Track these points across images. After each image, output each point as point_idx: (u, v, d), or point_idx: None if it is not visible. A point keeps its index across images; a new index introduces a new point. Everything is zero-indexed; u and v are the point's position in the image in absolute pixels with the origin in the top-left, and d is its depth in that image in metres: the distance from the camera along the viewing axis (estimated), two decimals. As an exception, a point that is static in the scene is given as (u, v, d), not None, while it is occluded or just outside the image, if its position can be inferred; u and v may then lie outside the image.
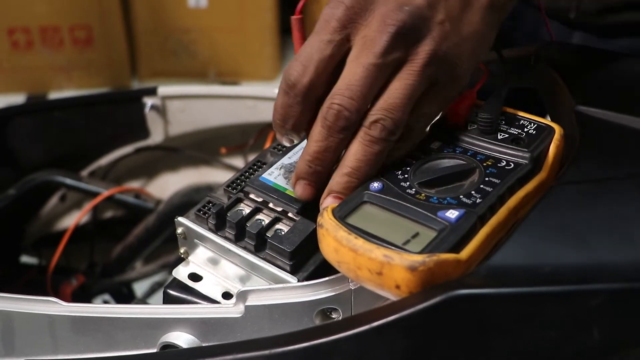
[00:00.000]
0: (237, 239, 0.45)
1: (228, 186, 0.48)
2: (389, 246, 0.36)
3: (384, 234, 0.37)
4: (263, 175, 0.47)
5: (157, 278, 0.98)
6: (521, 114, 0.44)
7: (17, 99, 2.16)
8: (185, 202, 0.86)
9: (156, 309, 0.45)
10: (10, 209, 0.84)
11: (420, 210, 0.38)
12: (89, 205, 0.88)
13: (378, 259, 0.36)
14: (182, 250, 0.48)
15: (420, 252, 0.35)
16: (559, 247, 0.36)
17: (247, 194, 0.47)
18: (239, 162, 0.87)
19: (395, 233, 0.37)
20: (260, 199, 0.46)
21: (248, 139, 0.81)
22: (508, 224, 0.39)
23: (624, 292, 0.33)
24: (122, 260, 0.94)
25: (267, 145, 0.76)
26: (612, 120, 0.44)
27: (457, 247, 0.36)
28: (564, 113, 0.47)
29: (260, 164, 0.50)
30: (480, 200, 0.38)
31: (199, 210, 0.47)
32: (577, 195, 0.38)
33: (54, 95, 2.18)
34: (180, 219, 0.47)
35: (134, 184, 0.93)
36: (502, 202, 0.38)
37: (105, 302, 0.99)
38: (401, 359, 0.34)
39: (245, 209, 0.46)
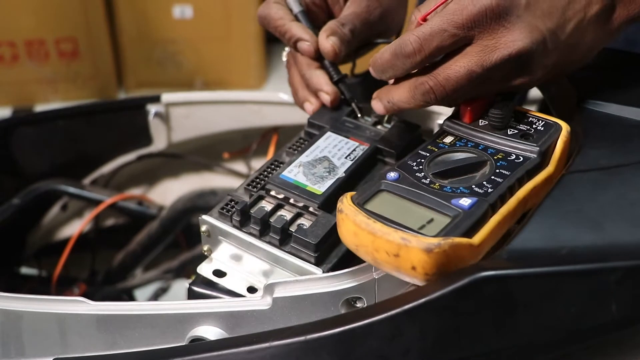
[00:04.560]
0: (262, 234, 0.46)
1: (248, 185, 0.50)
2: (406, 230, 0.38)
3: (401, 219, 0.39)
4: (283, 173, 0.49)
5: (159, 284, 0.99)
6: (531, 111, 0.46)
7: (3, 112, 2.14)
8: (189, 207, 0.87)
9: (184, 305, 0.46)
10: (13, 218, 0.84)
11: (435, 198, 0.41)
12: (91, 214, 0.88)
13: (396, 241, 0.38)
14: (205, 248, 0.50)
15: (436, 236, 0.38)
16: (574, 230, 0.38)
17: (268, 192, 0.49)
18: (241, 167, 0.88)
19: (411, 218, 0.40)
20: (281, 196, 0.48)
21: (251, 143, 0.83)
22: (517, 213, 0.42)
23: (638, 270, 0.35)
24: (125, 268, 0.94)
25: (271, 149, 0.77)
26: (615, 113, 0.47)
27: (469, 233, 0.38)
28: (567, 106, 0.50)
29: (278, 164, 0.52)
30: (491, 190, 0.41)
31: (222, 208, 0.49)
32: (589, 182, 0.41)
33: (40, 107, 2.18)
34: (205, 217, 0.49)
35: (136, 191, 0.94)
36: (511, 192, 0.41)
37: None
38: (432, 339, 0.36)
39: (267, 205, 0.48)
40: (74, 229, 0.93)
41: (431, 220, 0.39)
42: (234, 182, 0.90)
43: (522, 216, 0.42)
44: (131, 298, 1.01)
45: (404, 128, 0.53)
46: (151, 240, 0.90)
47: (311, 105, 0.56)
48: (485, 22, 0.43)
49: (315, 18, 0.59)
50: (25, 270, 0.95)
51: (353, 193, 0.42)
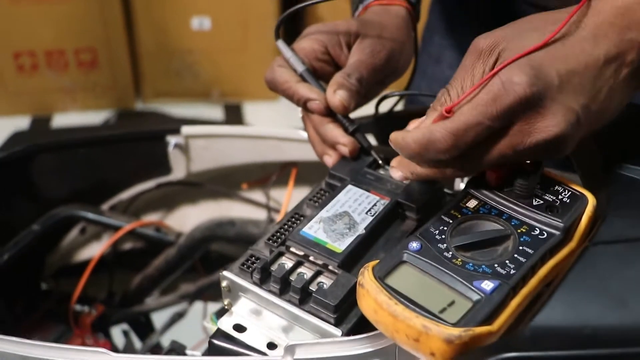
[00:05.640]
0: (282, 293, 0.47)
1: (269, 239, 0.50)
2: (427, 314, 0.39)
3: (422, 299, 0.39)
4: (304, 230, 0.49)
5: (176, 309, 0.99)
6: (558, 178, 0.46)
7: (23, 120, 2.17)
8: (207, 236, 0.87)
9: (206, 360, 0.46)
10: (33, 244, 0.85)
11: (457, 277, 0.41)
12: (111, 240, 0.89)
13: (416, 327, 0.38)
14: (225, 302, 0.50)
15: (456, 324, 0.38)
16: (597, 307, 0.38)
17: (288, 248, 0.49)
18: (259, 196, 0.88)
19: (432, 300, 0.40)
20: (302, 253, 0.48)
21: (270, 174, 0.83)
22: (537, 291, 0.41)
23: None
24: (142, 291, 0.95)
25: (290, 183, 0.78)
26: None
27: (490, 319, 0.38)
28: (591, 167, 0.49)
29: (299, 216, 0.52)
30: (514, 272, 0.40)
31: (243, 264, 0.49)
32: (613, 255, 0.40)
33: (59, 117, 2.20)
34: (225, 273, 0.49)
35: (154, 217, 0.94)
36: (533, 272, 0.41)
37: (125, 331, 1.00)
38: (453, 417, 0.36)
39: (288, 262, 0.48)
40: (92, 251, 0.94)
41: (452, 303, 0.39)
42: (252, 211, 0.91)
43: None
44: (148, 321, 1.02)
45: (426, 181, 0.53)
46: (168, 266, 0.91)
47: (330, 158, 0.57)
48: (520, 111, 0.42)
49: (322, 72, 0.60)
50: (45, 286, 0.96)
51: (375, 263, 0.42)
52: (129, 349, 0.98)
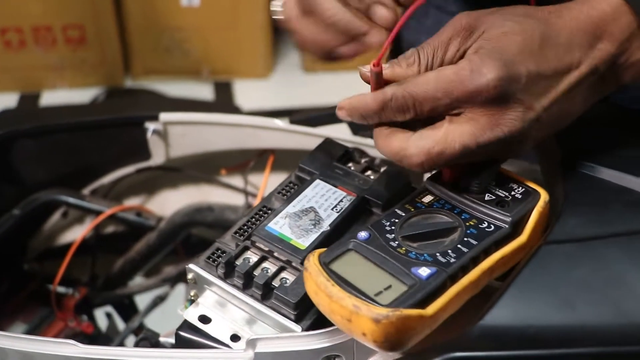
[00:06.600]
0: (245, 287, 0.48)
1: (236, 232, 0.51)
2: (361, 296, 0.40)
3: (360, 283, 0.41)
4: (269, 225, 0.50)
5: (158, 292, 1.01)
6: (514, 176, 0.46)
7: (10, 97, 2.16)
8: (186, 221, 0.88)
9: (169, 353, 0.48)
10: (14, 228, 0.86)
11: (397, 264, 0.42)
12: (91, 224, 0.90)
13: (348, 307, 0.39)
14: (192, 293, 0.51)
15: (388, 305, 0.39)
16: (544, 308, 0.39)
17: (254, 243, 0.50)
18: (237, 181, 0.89)
19: (370, 283, 0.41)
20: (266, 248, 0.49)
21: (248, 159, 0.84)
22: (480, 283, 0.42)
23: (606, 356, 0.36)
24: (124, 274, 0.96)
25: (267, 171, 0.78)
26: (597, 175, 0.47)
27: (423, 303, 0.39)
28: (551, 164, 0.50)
29: (267, 209, 0.53)
30: (454, 260, 0.41)
31: (209, 258, 0.50)
32: (564, 255, 0.41)
33: (47, 94, 2.19)
34: (191, 265, 0.50)
35: (135, 201, 0.95)
36: (475, 263, 0.42)
37: (108, 314, 1.01)
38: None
39: (253, 256, 0.49)
40: (75, 234, 0.95)
41: (389, 287, 0.40)
42: (232, 196, 0.91)
43: (505, 275, 0.43)
44: (132, 303, 1.03)
45: (393, 177, 0.54)
46: (150, 250, 0.92)
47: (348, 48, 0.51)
48: (480, 101, 0.43)
49: None
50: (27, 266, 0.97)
51: (322, 250, 0.43)
52: (111, 331, 1.00)
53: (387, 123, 0.46)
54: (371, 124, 0.46)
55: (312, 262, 0.43)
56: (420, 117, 0.45)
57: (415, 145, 0.44)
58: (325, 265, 0.42)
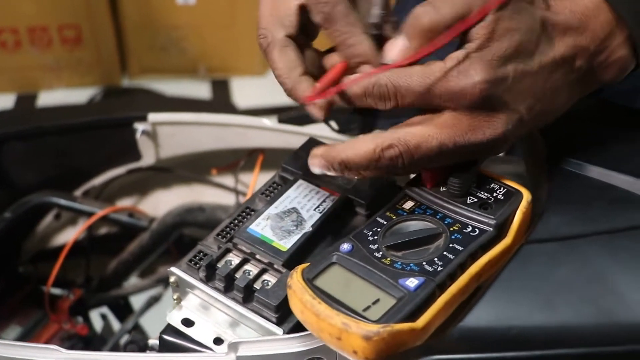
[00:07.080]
0: (227, 290, 0.47)
1: (218, 234, 0.51)
2: (349, 313, 0.39)
3: (347, 298, 0.40)
4: (251, 227, 0.49)
5: (153, 292, 1.00)
6: (495, 176, 0.46)
7: (7, 99, 2.16)
8: (178, 222, 0.88)
9: (151, 359, 0.47)
10: (6, 231, 0.86)
11: (384, 276, 0.41)
12: (84, 225, 0.90)
13: (337, 325, 0.38)
14: (175, 296, 0.51)
15: (377, 321, 0.38)
16: (525, 308, 0.38)
17: (235, 245, 0.49)
18: (229, 180, 0.89)
19: (357, 298, 0.40)
20: (248, 251, 0.48)
21: (238, 158, 0.83)
22: (469, 289, 0.41)
23: (589, 357, 0.36)
24: (118, 275, 0.96)
25: (257, 170, 0.78)
26: (582, 172, 0.46)
27: (413, 316, 0.38)
28: (536, 159, 0.50)
29: (250, 211, 0.52)
30: (441, 269, 0.40)
31: (190, 261, 0.49)
32: (545, 255, 0.41)
33: (44, 95, 2.19)
34: (173, 269, 0.49)
35: (127, 202, 0.95)
36: (463, 269, 0.41)
37: (103, 315, 1.01)
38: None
39: (234, 259, 0.48)
40: (68, 236, 0.95)
41: (377, 301, 0.39)
42: (224, 195, 0.91)
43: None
44: (127, 304, 1.03)
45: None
46: (142, 251, 0.92)
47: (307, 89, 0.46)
48: (464, 103, 0.42)
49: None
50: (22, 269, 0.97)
51: (305, 266, 0.43)
52: (107, 332, 1.00)
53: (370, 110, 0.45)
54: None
55: (296, 279, 0.42)
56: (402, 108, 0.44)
57: (392, 137, 0.42)
58: (310, 281, 0.41)
